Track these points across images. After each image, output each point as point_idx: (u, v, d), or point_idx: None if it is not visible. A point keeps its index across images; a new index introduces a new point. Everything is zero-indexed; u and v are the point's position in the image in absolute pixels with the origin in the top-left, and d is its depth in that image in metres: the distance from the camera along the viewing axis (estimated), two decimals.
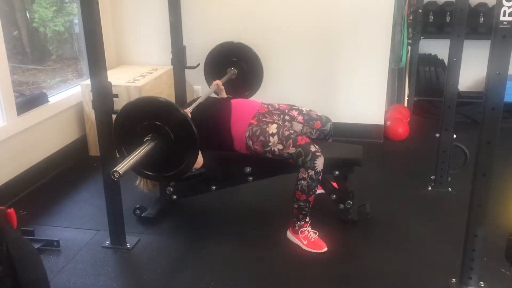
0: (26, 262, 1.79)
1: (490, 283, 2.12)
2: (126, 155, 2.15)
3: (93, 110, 2.29)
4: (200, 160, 2.42)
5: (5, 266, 1.68)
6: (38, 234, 2.59)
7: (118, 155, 2.28)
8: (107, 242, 2.55)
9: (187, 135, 2.13)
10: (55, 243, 2.52)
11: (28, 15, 3.80)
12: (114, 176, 1.90)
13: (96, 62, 2.19)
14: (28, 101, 3.26)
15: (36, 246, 2.47)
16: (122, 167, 1.92)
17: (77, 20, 3.99)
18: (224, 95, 3.09)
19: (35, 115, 3.24)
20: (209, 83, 3.35)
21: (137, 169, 2.24)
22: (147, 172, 2.28)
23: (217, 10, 3.94)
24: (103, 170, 2.39)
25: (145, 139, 2.12)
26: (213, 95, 3.15)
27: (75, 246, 2.54)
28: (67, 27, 4.05)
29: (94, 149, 3.72)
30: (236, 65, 3.41)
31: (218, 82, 3.08)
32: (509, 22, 1.71)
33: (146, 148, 2.07)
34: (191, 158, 2.20)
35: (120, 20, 4.14)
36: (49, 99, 3.44)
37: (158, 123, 2.12)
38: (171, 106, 2.15)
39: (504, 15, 1.71)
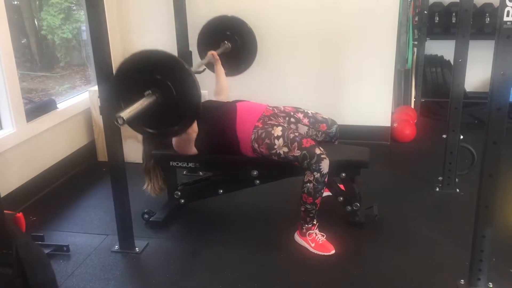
0: (35, 265, 1.82)
1: (499, 284, 2.11)
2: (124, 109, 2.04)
3: (101, 116, 2.31)
4: (195, 126, 2.40)
5: (15, 269, 1.71)
6: (48, 239, 2.61)
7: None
8: (116, 246, 2.57)
9: (190, 90, 2.04)
10: (65, 248, 2.54)
11: (36, 23, 3.85)
12: (117, 122, 1.86)
13: (103, 68, 2.21)
14: (37, 108, 3.30)
15: (46, 251, 2.49)
16: (126, 113, 1.87)
17: (84, 27, 4.04)
18: (220, 67, 3.07)
19: (44, 121, 3.28)
20: (202, 57, 3.28)
21: (138, 126, 2.17)
22: (147, 129, 2.19)
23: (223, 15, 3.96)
24: (111, 175, 2.41)
25: (145, 93, 2.05)
26: (208, 86, 3.09)
27: (85, 251, 2.57)
28: (75, 34, 4.10)
29: (102, 155, 3.75)
30: (231, 39, 3.34)
31: (213, 52, 3.05)
32: None
33: (148, 101, 2.01)
34: (192, 116, 2.12)
35: (127, 26, 4.18)
36: (58, 105, 3.47)
37: (159, 77, 2.04)
38: (174, 60, 2.06)
39: (508, 15, 1.71)
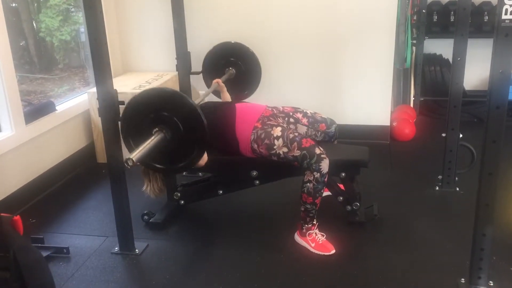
0: (33, 268, 1.81)
1: (500, 282, 2.10)
2: (134, 147, 2.13)
3: (100, 118, 2.31)
4: (205, 156, 2.42)
5: (12, 272, 1.71)
6: (48, 241, 2.61)
7: (127, 148, 2.26)
8: (116, 248, 2.56)
9: (196, 124, 2.11)
10: (65, 250, 2.54)
11: (35, 25, 3.85)
12: (127, 164, 1.90)
13: (102, 70, 2.21)
14: (36, 110, 3.29)
15: (46, 253, 2.49)
16: (135, 154, 1.92)
17: (83, 28, 4.04)
18: (226, 93, 3.09)
19: (43, 123, 3.27)
20: (208, 85, 3.35)
21: (146, 162, 2.22)
22: (156, 164, 2.26)
23: (221, 16, 3.97)
24: (110, 177, 2.41)
25: (153, 131, 2.12)
26: (214, 98, 3.13)
27: (85, 253, 2.56)
28: (73, 36, 4.09)
29: (101, 156, 3.74)
30: (235, 65, 3.41)
31: (218, 80, 3.08)
32: (511, 20, 1.70)
33: (156, 139, 2.06)
34: (200, 149, 2.19)
35: (126, 27, 4.18)
36: (57, 107, 3.47)
37: (165, 113, 2.11)
38: (178, 96, 2.13)
39: (506, 14, 1.71)
